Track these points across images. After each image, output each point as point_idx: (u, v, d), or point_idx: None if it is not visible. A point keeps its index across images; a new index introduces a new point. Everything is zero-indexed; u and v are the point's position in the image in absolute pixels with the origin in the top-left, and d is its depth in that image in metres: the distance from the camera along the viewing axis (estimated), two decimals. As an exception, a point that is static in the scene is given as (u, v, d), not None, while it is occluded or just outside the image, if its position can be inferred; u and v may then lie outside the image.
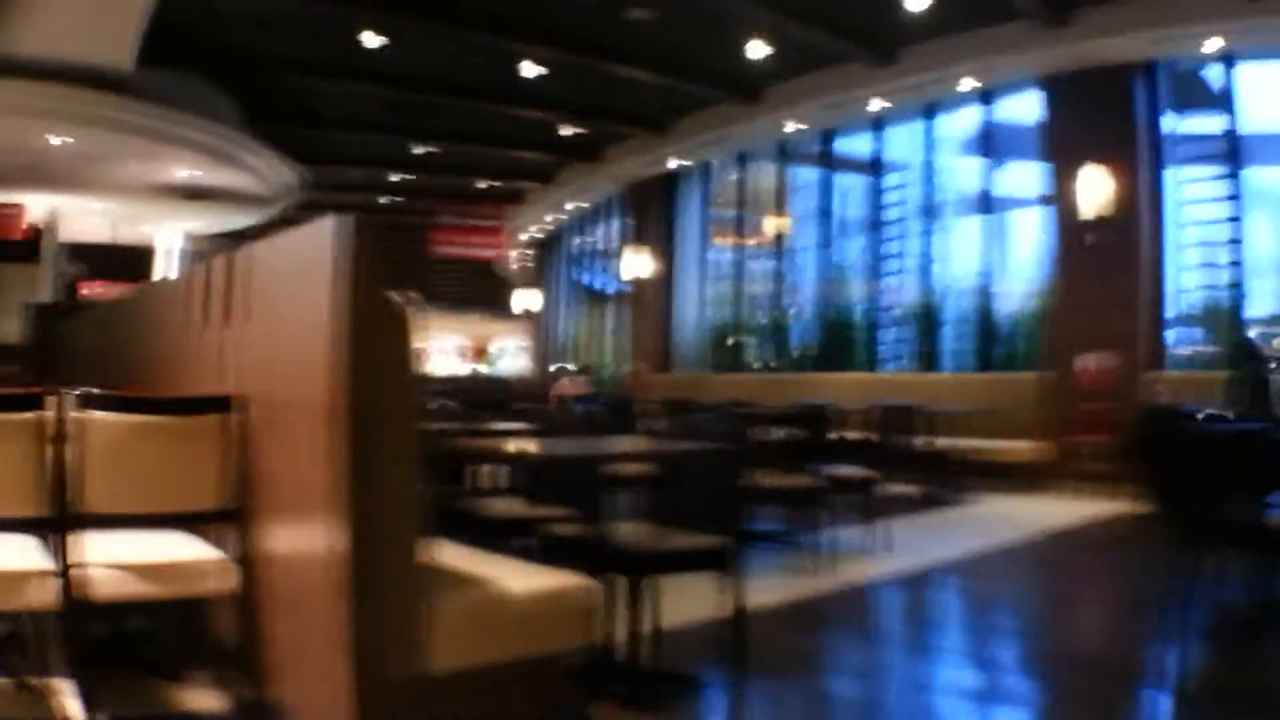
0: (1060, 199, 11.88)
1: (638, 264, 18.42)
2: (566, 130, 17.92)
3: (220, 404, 3.60)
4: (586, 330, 23.99)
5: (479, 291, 42.14)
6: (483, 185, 23.79)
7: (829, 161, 15.64)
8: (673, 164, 17.65)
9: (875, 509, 7.90)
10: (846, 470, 7.84)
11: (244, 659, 3.60)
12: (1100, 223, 11.54)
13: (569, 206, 22.68)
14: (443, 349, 51.21)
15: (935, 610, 6.62)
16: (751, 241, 17.82)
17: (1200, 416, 9.10)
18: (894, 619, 6.37)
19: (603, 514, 4.48)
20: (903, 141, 15.19)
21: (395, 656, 3.08)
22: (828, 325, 15.48)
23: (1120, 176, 11.52)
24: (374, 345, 3.05)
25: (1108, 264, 11.55)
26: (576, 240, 24.56)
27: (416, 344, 3.17)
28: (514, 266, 29.63)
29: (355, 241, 3.03)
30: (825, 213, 15.60)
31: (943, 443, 11.14)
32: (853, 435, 11.16)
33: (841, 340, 15.50)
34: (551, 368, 25.18)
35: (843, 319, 15.57)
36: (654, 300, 18.30)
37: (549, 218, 24.30)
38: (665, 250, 18.32)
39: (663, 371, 18.08)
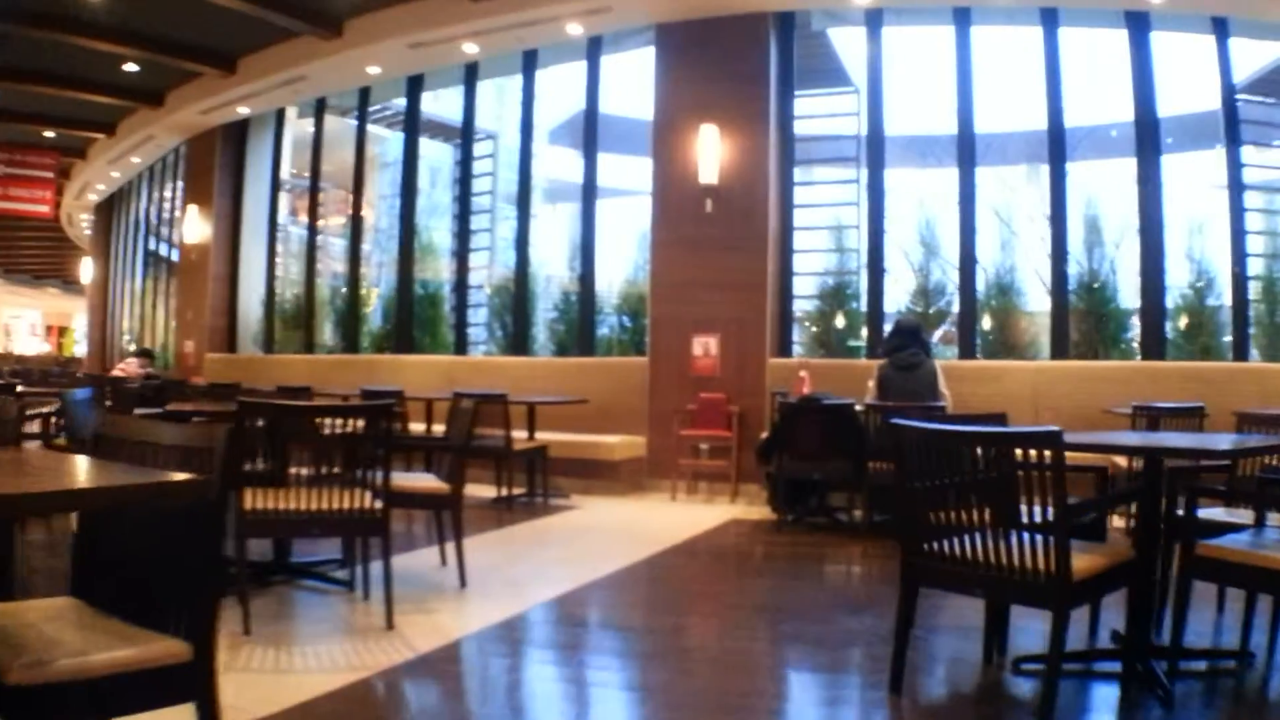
0: (674, 162, 9.50)
1: (197, 229, 14.64)
2: (129, 67, 13.86)
3: None
4: (159, 304, 19.67)
5: (53, 263, 36.01)
6: (49, 134, 18.98)
7: (415, 121, 12.61)
8: (242, 110, 14.01)
9: (457, 527, 5.35)
10: (417, 481, 5.51)
11: None
12: (721, 190, 9.27)
13: (135, 160, 18.31)
14: (30, 326, 44.21)
15: (541, 698, 3.91)
16: (329, 210, 14.66)
17: (860, 408, 7.03)
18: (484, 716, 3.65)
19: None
20: (497, 107, 12.56)
21: None
22: (408, 303, 12.41)
23: (747, 139, 9.28)
24: None
25: (730, 238, 9.27)
26: (146, 202, 20.12)
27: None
28: (88, 232, 24.54)
29: None
30: (409, 181, 12.55)
31: (538, 436, 8.60)
32: (424, 427, 8.61)
33: (424, 320, 12.52)
34: (131, 346, 20.85)
35: (426, 297, 12.60)
36: (216, 271, 14.54)
37: (115, 174, 19.75)
38: (231, 213, 14.60)
39: (228, 351, 14.43)
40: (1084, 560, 3.39)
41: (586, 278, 10.77)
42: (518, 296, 11.39)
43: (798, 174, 9.87)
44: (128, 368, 14.94)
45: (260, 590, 5.04)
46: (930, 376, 7.11)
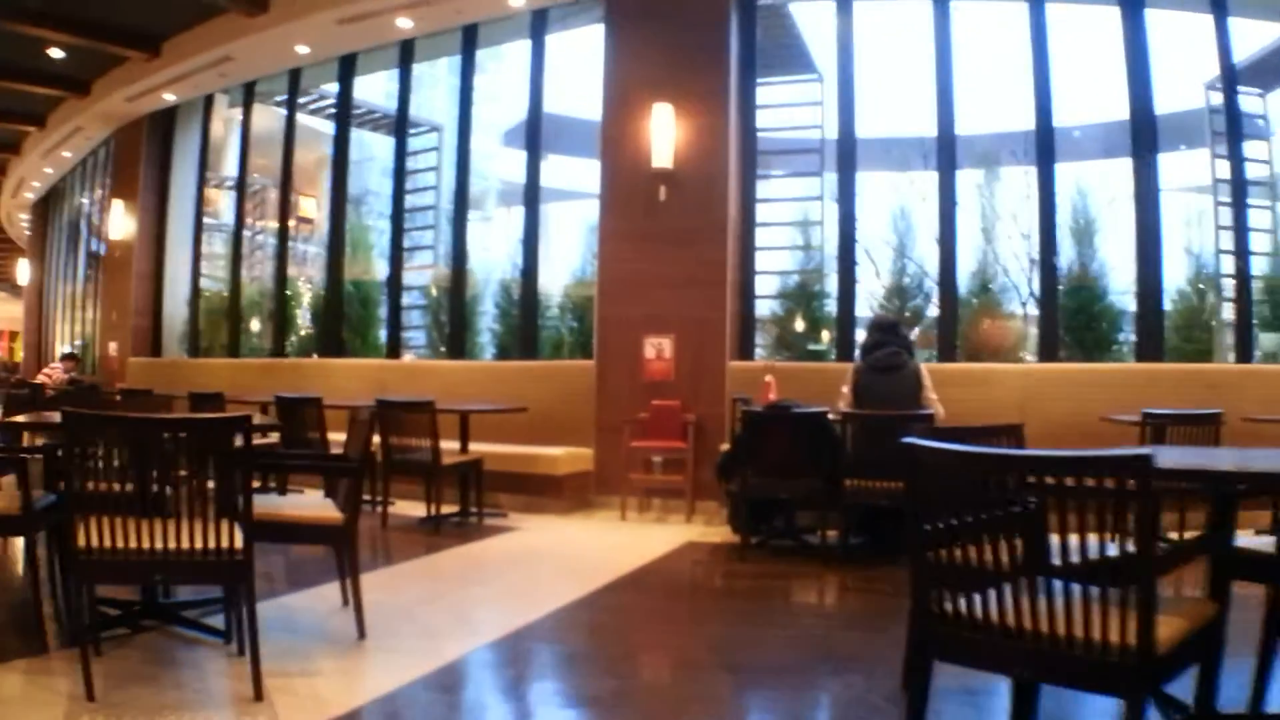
0: (625, 145, 8.38)
1: (122, 224, 13.40)
2: (55, 53, 12.67)
3: None
4: (94, 306, 18.35)
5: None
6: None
7: (347, 108, 11.42)
8: (169, 97, 12.78)
9: (352, 565, 4.26)
10: (301, 509, 4.41)
11: None
12: (677, 176, 8.20)
13: (66, 155, 17.02)
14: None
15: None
16: (259, 210, 13.52)
17: (834, 417, 6.03)
18: None
19: None
20: (450, 106, 11.51)
21: None
22: (337, 304, 11.21)
23: (705, 120, 8.18)
24: None
25: (686, 229, 8.15)
26: (84, 199, 18.80)
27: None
28: (28, 233, 23.12)
29: None
30: (339, 173, 11.33)
31: (472, 448, 7.52)
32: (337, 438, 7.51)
33: (355, 322, 11.31)
34: (66, 349, 19.51)
35: (359, 298, 11.39)
36: (140, 269, 13.28)
37: (49, 169, 18.44)
38: (157, 208, 13.34)
39: (152, 354, 13.19)
40: (1166, 625, 2.39)
41: (529, 273, 9.65)
42: (454, 297, 10.22)
43: (760, 166, 8.82)
44: (52, 372, 13.76)
45: (124, 640, 3.98)
46: (913, 379, 6.08)
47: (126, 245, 13.32)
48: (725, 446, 7.11)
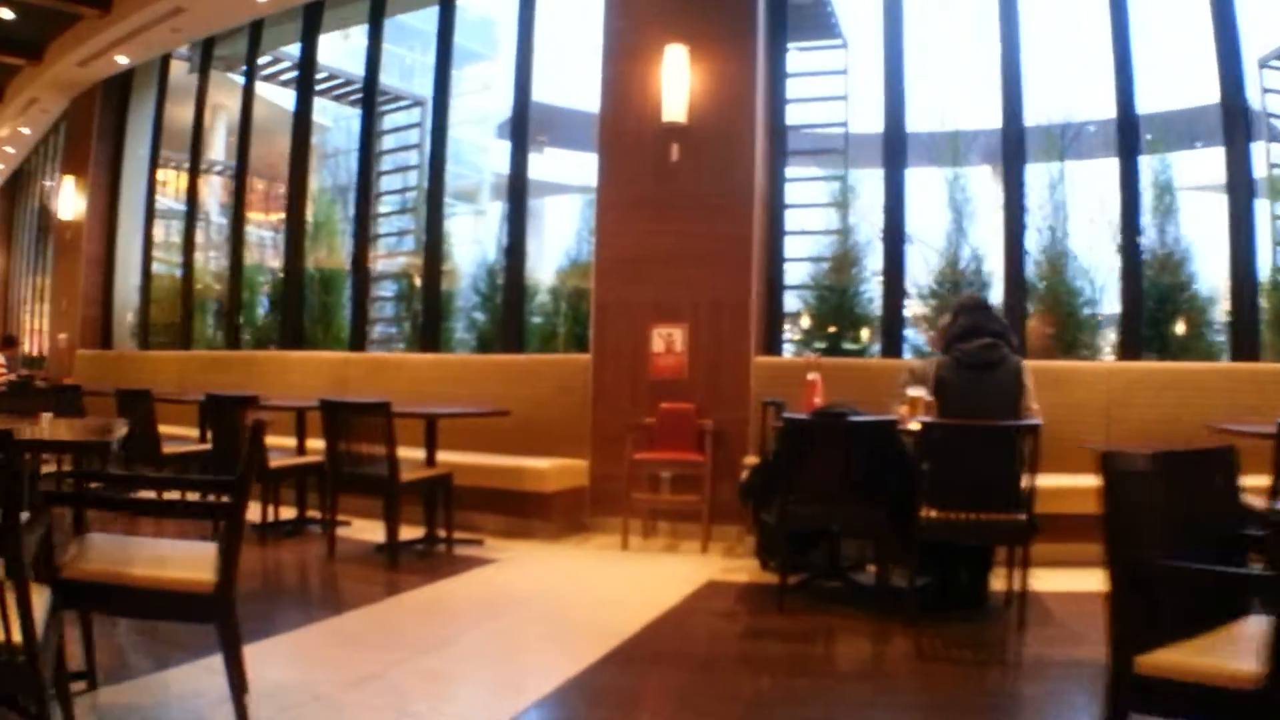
0: (630, 96, 6.82)
1: (72, 203, 11.92)
2: (4, 14, 11.21)
3: None
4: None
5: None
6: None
7: (310, 73, 9.90)
8: (122, 60, 11.29)
9: (229, 649, 2.85)
10: (164, 567, 2.86)
11: None
12: (693, 132, 6.66)
13: (25, 131, 15.55)
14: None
15: None
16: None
17: (913, 427, 4.53)
18: None
19: None
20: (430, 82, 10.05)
21: None
22: (297, 292, 9.68)
23: (728, 63, 6.64)
24: None
25: (704, 195, 6.61)
26: (48, 181, 17.34)
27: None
28: None
29: None
30: (300, 147, 9.83)
31: (441, 459, 6.06)
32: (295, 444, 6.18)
33: (318, 311, 9.78)
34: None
35: (324, 285, 9.87)
36: (91, 253, 11.79)
37: (10, 149, 16.95)
38: (109, 186, 11.84)
39: (102, 346, 11.70)
40: None
41: (514, 252, 8.14)
42: (429, 284, 8.69)
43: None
44: (-1, 366, 12.29)
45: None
46: (1013, 379, 4.55)
47: (76, 226, 11.84)
48: (751, 460, 5.68)
